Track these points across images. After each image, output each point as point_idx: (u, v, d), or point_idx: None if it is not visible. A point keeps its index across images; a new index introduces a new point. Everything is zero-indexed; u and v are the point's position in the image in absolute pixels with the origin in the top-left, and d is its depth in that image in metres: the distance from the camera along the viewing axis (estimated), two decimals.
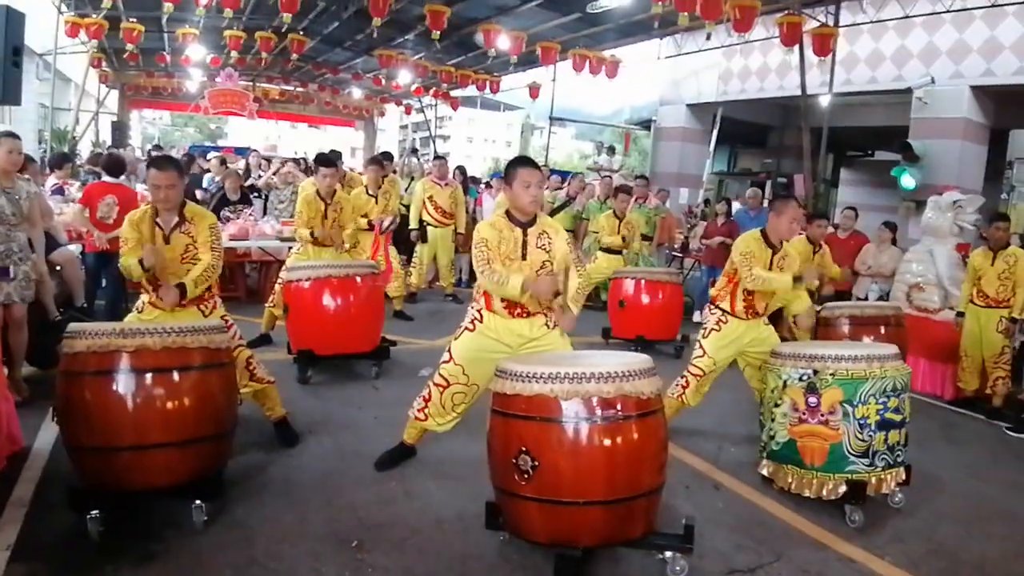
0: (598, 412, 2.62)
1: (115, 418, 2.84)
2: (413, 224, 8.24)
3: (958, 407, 5.89)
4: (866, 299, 7.29)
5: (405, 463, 3.86)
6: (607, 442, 2.62)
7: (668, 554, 2.84)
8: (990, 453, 4.91)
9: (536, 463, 2.62)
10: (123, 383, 2.85)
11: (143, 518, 3.08)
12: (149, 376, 2.88)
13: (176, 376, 2.94)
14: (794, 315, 4.45)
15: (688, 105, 15.14)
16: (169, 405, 2.91)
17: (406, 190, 9.38)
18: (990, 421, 5.56)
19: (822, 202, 10.38)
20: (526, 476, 2.64)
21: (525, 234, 3.43)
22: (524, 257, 3.42)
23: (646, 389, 2.70)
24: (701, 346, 4.35)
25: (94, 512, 2.83)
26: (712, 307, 4.43)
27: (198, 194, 8.77)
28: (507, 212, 3.50)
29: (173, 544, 2.91)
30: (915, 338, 5.73)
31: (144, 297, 3.75)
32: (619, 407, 2.63)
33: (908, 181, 9.81)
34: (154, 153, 12.46)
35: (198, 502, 2.99)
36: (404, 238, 8.34)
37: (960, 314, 5.84)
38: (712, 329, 4.34)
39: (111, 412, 2.85)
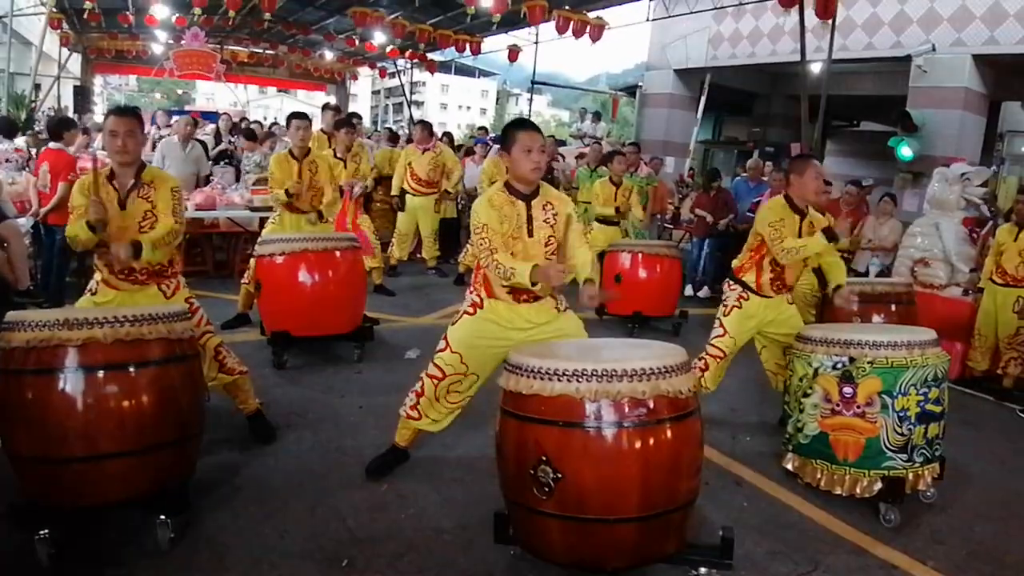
0: (631, 415, 2.25)
1: (61, 424, 2.43)
2: (394, 191, 7.90)
3: (965, 387, 5.65)
4: (866, 273, 7.07)
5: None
6: (641, 449, 2.26)
7: (703, 570, 2.51)
8: (1007, 438, 4.69)
9: (559, 475, 2.25)
10: (69, 383, 2.43)
11: (98, 538, 2.67)
12: (100, 374, 2.46)
13: (132, 373, 2.52)
14: (835, 286, 3.97)
15: (676, 70, 14.66)
16: (124, 407, 2.49)
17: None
18: (1000, 402, 5.33)
19: None
20: (546, 490, 2.27)
21: (529, 207, 3.05)
22: (531, 234, 3.04)
23: (683, 387, 2.35)
24: (721, 324, 4.02)
25: (43, 532, 2.44)
26: (732, 282, 4.06)
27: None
28: (506, 184, 3.10)
29: (134, 568, 2.52)
30: (919, 315, 5.47)
31: (97, 276, 3.30)
32: (655, 409, 2.27)
33: (906, 152, 9.50)
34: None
35: (162, 517, 2.60)
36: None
37: (978, 289, 5.57)
38: (733, 307, 4.00)
39: (56, 417, 2.43)
